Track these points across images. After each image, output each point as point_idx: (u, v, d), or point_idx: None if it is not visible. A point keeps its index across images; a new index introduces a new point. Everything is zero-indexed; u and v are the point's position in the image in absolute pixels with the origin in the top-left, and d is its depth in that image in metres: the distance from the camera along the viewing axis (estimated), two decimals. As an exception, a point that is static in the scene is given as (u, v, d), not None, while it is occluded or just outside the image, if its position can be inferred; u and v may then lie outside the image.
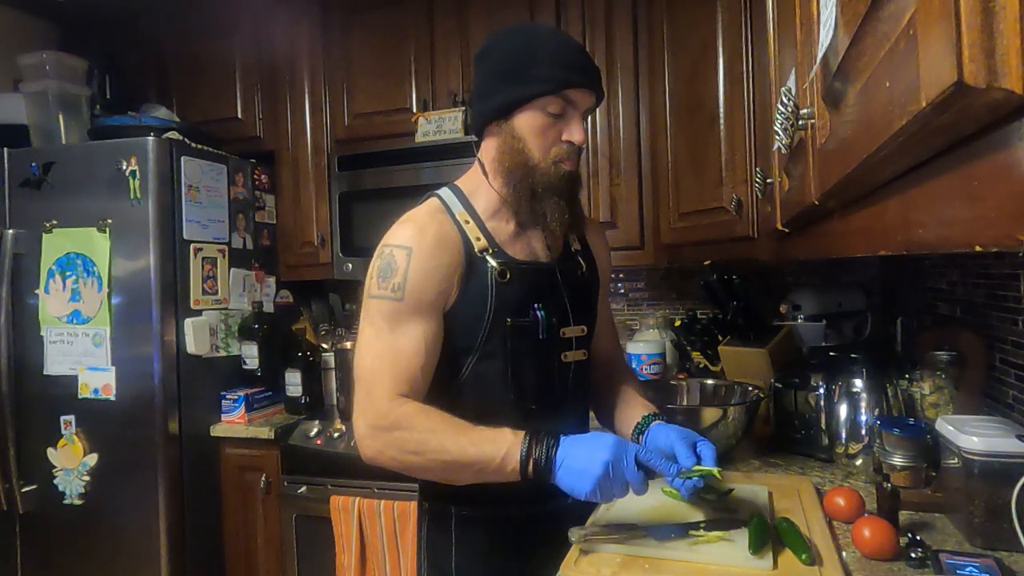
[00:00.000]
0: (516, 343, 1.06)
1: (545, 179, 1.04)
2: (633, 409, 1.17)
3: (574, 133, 1.04)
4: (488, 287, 1.05)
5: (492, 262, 1.06)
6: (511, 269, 1.06)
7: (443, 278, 1.02)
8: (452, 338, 1.05)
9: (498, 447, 0.93)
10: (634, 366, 2.11)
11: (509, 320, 1.06)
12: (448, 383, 1.06)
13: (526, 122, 1.03)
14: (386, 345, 1.00)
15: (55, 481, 2.09)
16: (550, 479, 0.93)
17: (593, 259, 1.23)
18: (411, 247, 1.02)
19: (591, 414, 1.28)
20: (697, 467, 0.98)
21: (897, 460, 1.20)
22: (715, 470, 0.97)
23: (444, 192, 1.12)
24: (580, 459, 0.91)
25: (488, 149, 1.10)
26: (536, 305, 1.08)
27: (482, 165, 1.11)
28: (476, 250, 1.06)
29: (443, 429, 0.95)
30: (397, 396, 0.97)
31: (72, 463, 2.07)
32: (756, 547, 0.94)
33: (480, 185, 1.11)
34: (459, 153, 2.14)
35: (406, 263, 1.01)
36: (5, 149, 2.15)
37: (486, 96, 1.06)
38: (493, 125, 1.07)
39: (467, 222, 1.08)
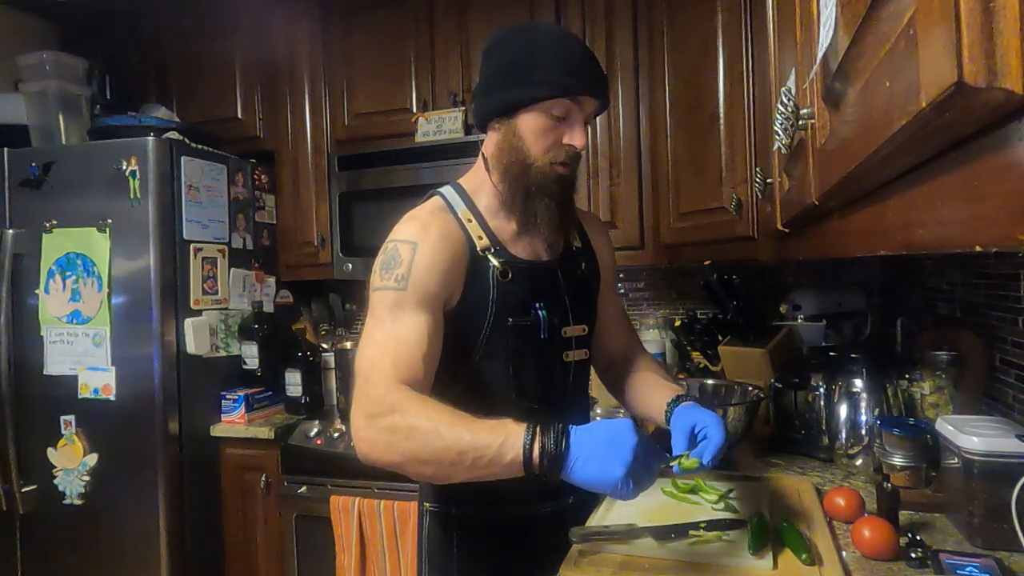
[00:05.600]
0: (517, 343, 1.06)
1: (539, 179, 1.04)
2: (659, 391, 1.14)
3: (575, 137, 1.03)
4: (490, 286, 1.05)
5: (494, 261, 1.05)
6: (512, 268, 1.06)
7: (447, 273, 1.02)
8: (454, 337, 1.04)
9: (497, 432, 0.84)
10: (634, 366, 2.11)
11: (511, 320, 1.05)
12: (449, 382, 1.05)
13: (529, 123, 1.03)
14: (386, 334, 0.96)
15: (55, 481, 2.09)
16: (561, 471, 0.83)
17: (594, 257, 1.23)
18: (416, 242, 1.01)
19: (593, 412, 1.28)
20: (684, 460, 0.93)
21: (897, 460, 1.20)
22: (694, 461, 0.92)
23: (447, 190, 1.12)
24: (600, 443, 0.82)
25: (489, 144, 1.10)
26: (537, 304, 1.08)
27: (485, 160, 1.11)
28: (479, 249, 1.06)
29: (439, 417, 0.87)
30: (396, 383, 0.91)
31: (72, 463, 2.07)
32: (756, 547, 0.94)
33: (483, 183, 1.11)
34: (459, 153, 2.14)
35: (411, 256, 1.00)
36: (5, 149, 2.15)
37: (490, 93, 1.06)
38: (495, 122, 1.07)
39: (470, 221, 1.08)
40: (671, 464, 0.93)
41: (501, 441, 0.83)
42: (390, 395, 0.89)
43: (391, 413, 0.88)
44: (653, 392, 1.16)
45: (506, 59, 1.04)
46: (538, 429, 0.84)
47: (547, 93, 1.00)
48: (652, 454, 0.85)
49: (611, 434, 0.83)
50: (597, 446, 0.82)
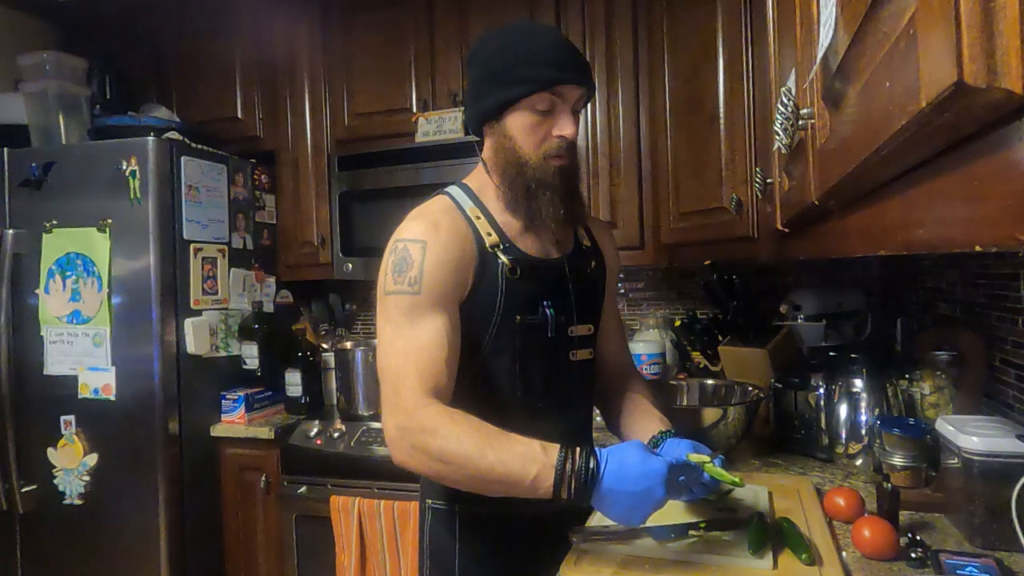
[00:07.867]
0: (525, 340, 1.06)
1: (537, 176, 1.04)
2: (646, 421, 1.15)
3: (564, 128, 1.04)
4: (498, 283, 1.05)
5: (503, 258, 1.06)
6: (521, 266, 1.06)
7: (458, 271, 1.02)
8: (462, 333, 1.04)
9: (528, 467, 0.88)
10: (634, 366, 2.11)
11: (518, 317, 1.06)
12: (456, 379, 1.05)
13: (516, 122, 1.04)
14: (408, 341, 0.97)
15: (55, 481, 2.09)
16: (587, 505, 0.90)
17: (602, 256, 1.23)
18: (425, 240, 1.01)
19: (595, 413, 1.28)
20: (717, 470, 0.96)
21: (897, 460, 1.20)
22: (738, 477, 0.97)
23: (453, 189, 1.13)
24: (629, 495, 0.86)
25: (487, 149, 1.11)
26: (545, 303, 1.08)
27: (485, 164, 1.12)
28: (488, 245, 1.06)
29: (469, 438, 0.89)
30: (425, 395, 0.94)
31: (72, 463, 2.07)
32: (756, 547, 0.94)
33: (487, 183, 1.11)
34: (459, 153, 2.14)
35: (421, 256, 1.00)
36: (5, 149, 2.15)
37: (477, 99, 1.07)
38: (486, 126, 1.09)
39: (478, 218, 1.08)
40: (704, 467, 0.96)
41: (533, 477, 0.88)
42: (419, 411, 0.92)
43: (422, 432, 0.91)
44: (639, 418, 1.16)
45: (485, 64, 1.06)
46: (567, 468, 0.88)
47: (526, 90, 1.01)
48: (674, 490, 0.89)
49: (643, 487, 0.86)
50: (625, 497, 0.87)
